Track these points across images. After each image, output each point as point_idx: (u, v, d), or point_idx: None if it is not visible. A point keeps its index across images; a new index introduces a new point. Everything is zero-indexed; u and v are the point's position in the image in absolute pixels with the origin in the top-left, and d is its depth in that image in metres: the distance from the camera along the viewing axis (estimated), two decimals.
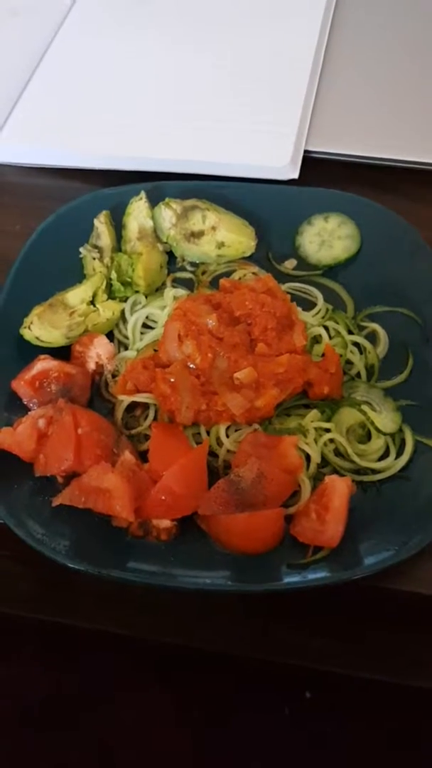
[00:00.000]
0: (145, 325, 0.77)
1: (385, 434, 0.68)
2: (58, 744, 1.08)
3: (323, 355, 0.73)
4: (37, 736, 1.09)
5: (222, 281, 0.76)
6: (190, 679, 1.10)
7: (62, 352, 0.75)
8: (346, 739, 1.04)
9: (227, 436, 0.69)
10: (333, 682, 1.02)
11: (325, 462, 0.68)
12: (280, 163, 0.86)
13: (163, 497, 0.64)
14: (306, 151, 0.89)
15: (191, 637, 0.86)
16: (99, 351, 0.74)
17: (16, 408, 0.71)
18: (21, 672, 1.12)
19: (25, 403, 0.71)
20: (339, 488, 0.63)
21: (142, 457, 0.68)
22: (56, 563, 0.62)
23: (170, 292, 0.77)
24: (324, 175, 0.88)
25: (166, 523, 0.64)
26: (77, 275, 0.80)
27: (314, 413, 0.69)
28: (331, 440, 0.68)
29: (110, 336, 0.77)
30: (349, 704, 1.07)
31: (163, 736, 1.08)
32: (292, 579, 0.61)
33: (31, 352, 0.74)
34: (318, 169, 0.89)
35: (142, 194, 0.82)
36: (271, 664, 0.95)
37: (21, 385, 0.70)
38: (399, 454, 0.68)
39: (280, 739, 1.07)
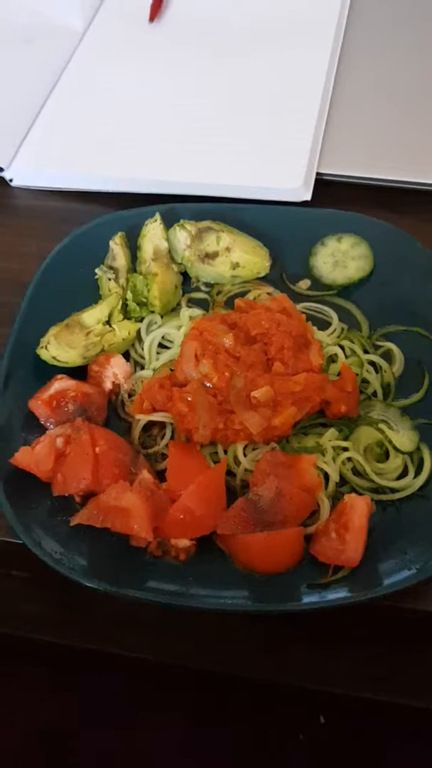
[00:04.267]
0: (161, 345, 0.78)
1: (403, 453, 0.68)
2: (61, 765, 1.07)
3: (339, 374, 0.73)
4: (40, 757, 1.08)
5: (237, 301, 0.77)
6: (202, 702, 1.09)
7: (78, 372, 0.75)
8: (362, 764, 1.03)
9: (245, 455, 0.69)
10: (349, 706, 1.01)
11: (343, 481, 0.68)
12: (293, 185, 0.86)
13: (182, 516, 0.63)
14: (318, 174, 0.89)
15: (205, 659, 0.85)
16: (115, 371, 0.74)
17: (34, 428, 0.71)
18: (26, 692, 1.11)
19: (42, 422, 0.71)
20: (359, 507, 0.62)
21: (160, 476, 0.68)
22: (74, 583, 0.62)
23: (186, 312, 0.78)
24: (336, 196, 0.89)
25: (184, 542, 0.64)
26: (93, 296, 0.81)
27: (332, 432, 0.69)
28: (349, 459, 0.68)
29: (126, 356, 0.77)
30: (365, 729, 1.06)
31: (172, 759, 1.06)
32: (312, 599, 0.61)
33: (47, 371, 0.74)
34: (330, 190, 0.89)
35: (157, 216, 0.83)
36: (285, 688, 0.94)
37: (38, 405, 0.70)
38: (417, 473, 0.68)
39: (294, 765, 1.06)
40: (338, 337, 0.77)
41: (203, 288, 0.83)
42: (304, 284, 0.82)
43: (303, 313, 0.77)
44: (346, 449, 0.68)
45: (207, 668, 0.88)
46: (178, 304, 0.81)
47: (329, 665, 0.77)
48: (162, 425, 0.72)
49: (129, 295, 0.80)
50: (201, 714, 1.10)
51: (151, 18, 1.09)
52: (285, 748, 1.08)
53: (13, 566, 0.77)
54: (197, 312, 0.78)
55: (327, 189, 0.89)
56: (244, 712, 1.09)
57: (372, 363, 0.75)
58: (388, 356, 0.75)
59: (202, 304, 0.82)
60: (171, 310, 0.80)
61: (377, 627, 0.68)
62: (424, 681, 0.76)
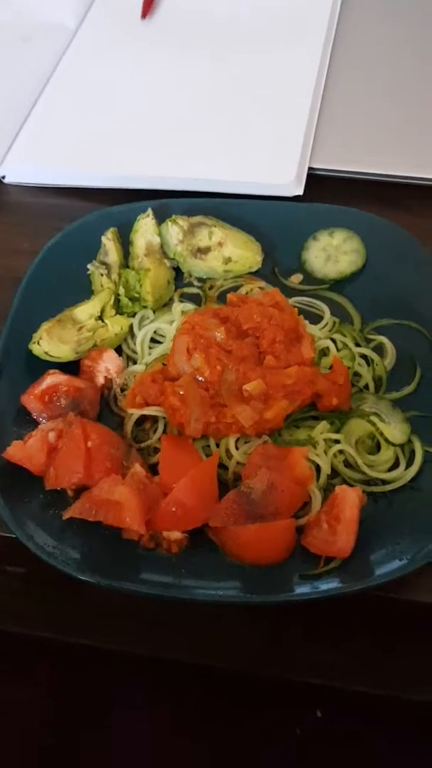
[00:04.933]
0: (153, 340, 0.78)
1: (394, 445, 0.68)
2: (60, 764, 1.07)
3: (331, 367, 0.73)
4: (39, 754, 1.08)
5: (229, 296, 0.77)
6: (198, 697, 1.09)
7: (71, 367, 0.75)
8: (359, 759, 1.03)
9: (237, 448, 0.69)
10: (345, 699, 1.01)
11: (335, 473, 0.68)
12: (285, 180, 0.87)
13: (174, 509, 0.64)
14: (310, 168, 0.90)
15: (200, 653, 0.85)
16: (108, 365, 0.74)
17: (26, 422, 0.71)
18: (24, 690, 1.11)
19: (35, 417, 0.71)
20: (350, 498, 0.63)
21: (152, 470, 0.68)
22: (67, 576, 0.62)
23: (178, 307, 0.78)
24: (328, 191, 0.89)
25: (176, 535, 0.64)
26: (85, 291, 0.81)
27: (323, 425, 0.69)
28: (341, 451, 0.68)
29: (119, 351, 0.77)
30: (361, 722, 1.06)
31: (169, 754, 1.06)
32: (304, 590, 0.61)
33: (40, 367, 0.74)
34: (322, 185, 0.90)
35: (149, 211, 0.83)
36: (281, 682, 0.95)
37: (30, 400, 0.71)
38: (408, 464, 0.68)
39: (290, 761, 1.06)
40: (330, 330, 0.77)
41: (196, 283, 0.83)
42: (296, 279, 0.82)
43: (295, 307, 0.77)
44: (337, 441, 0.68)
45: (201, 662, 0.88)
46: (171, 299, 0.81)
47: (323, 658, 0.77)
48: (154, 419, 0.72)
49: (121, 291, 0.80)
50: (196, 708, 1.10)
51: (143, 15, 1.09)
52: (281, 742, 1.08)
53: (6, 561, 0.77)
54: (189, 307, 0.78)
55: (319, 184, 0.90)
56: (240, 707, 1.09)
57: (364, 356, 0.75)
58: (379, 349, 0.76)
59: (195, 299, 0.82)
60: (163, 305, 0.80)
61: (369, 619, 0.68)
62: (419, 673, 0.76)
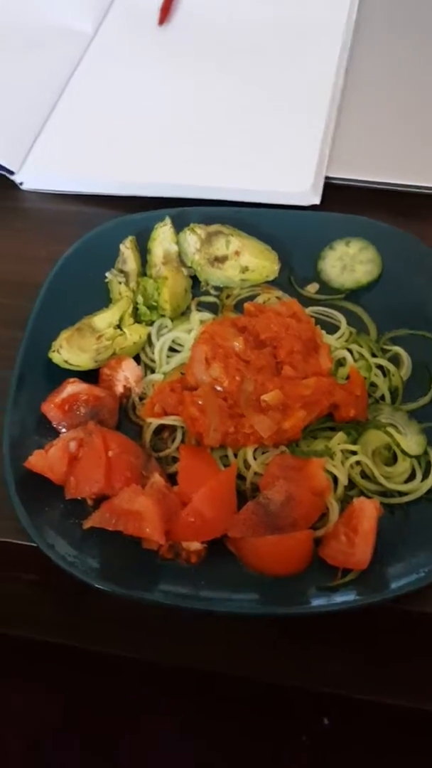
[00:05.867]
0: (171, 349, 0.78)
1: (410, 456, 0.69)
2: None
3: (347, 378, 0.73)
4: (47, 759, 1.08)
5: (246, 305, 0.77)
6: (206, 704, 1.10)
7: (89, 375, 0.76)
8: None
9: (254, 459, 0.69)
10: (353, 708, 1.02)
11: (351, 484, 0.68)
12: (302, 188, 0.87)
13: (193, 520, 0.64)
14: (327, 177, 0.90)
15: (210, 661, 0.86)
16: (127, 374, 0.75)
17: (46, 431, 0.72)
18: (33, 695, 1.12)
19: (55, 425, 0.72)
20: (368, 510, 0.63)
21: (171, 479, 0.69)
22: (88, 586, 0.63)
23: (196, 316, 0.78)
24: (345, 200, 0.89)
25: (195, 545, 0.64)
26: (103, 300, 0.81)
27: (340, 435, 0.70)
28: (358, 462, 0.69)
29: (137, 359, 0.78)
30: (369, 732, 1.06)
31: (175, 761, 1.07)
32: (321, 602, 0.62)
33: (59, 375, 0.75)
34: (339, 194, 0.90)
35: (167, 220, 0.84)
36: (289, 689, 0.95)
37: (51, 408, 0.71)
38: (425, 476, 0.68)
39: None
40: (346, 340, 0.77)
41: (212, 291, 0.83)
42: (312, 288, 0.83)
43: (312, 317, 0.78)
44: (354, 453, 0.69)
45: (210, 669, 0.89)
46: (188, 308, 0.82)
47: (334, 667, 0.77)
48: (173, 428, 0.72)
49: (140, 299, 0.80)
50: (203, 715, 1.10)
51: (161, 21, 1.09)
52: (288, 750, 1.09)
53: (22, 569, 0.78)
54: (207, 316, 0.79)
55: (336, 193, 0.90)
56: (247, 714, 1.09)
57: (380, 367, 0.75)
58: (395, 360, 0.76)
59: (212, 307, 0.82)
60: (181, 314, 0.81)
61: (383, 630, 0.69)
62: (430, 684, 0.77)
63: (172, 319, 0.80)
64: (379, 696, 0.85)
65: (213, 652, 0.78)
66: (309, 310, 0.79)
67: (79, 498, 0.67)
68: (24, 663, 1.08)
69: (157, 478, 0.66)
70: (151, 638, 0.85)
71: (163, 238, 0.83)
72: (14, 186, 0.95)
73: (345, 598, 0.62)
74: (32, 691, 1.12)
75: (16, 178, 0.95)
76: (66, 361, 0.75)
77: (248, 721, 1.09)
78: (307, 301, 0.81)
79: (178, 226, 0.84)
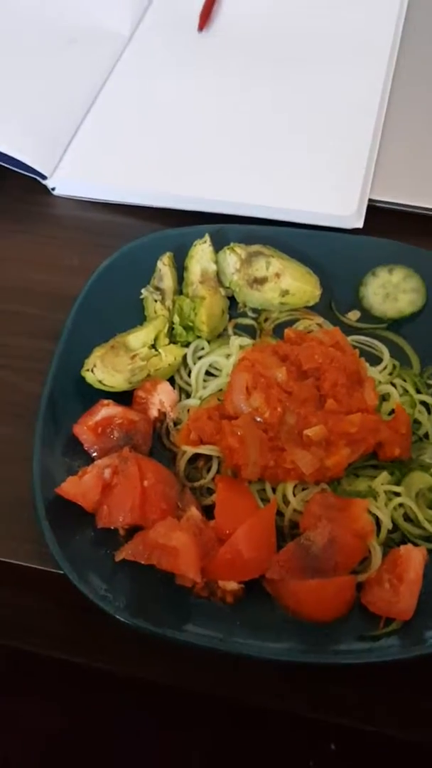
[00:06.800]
0: (207, 372, 0.76)
1: None
2: None
3: (390, 413, 0.71)
4: None
5: (287, 332, 0.74)
6: (210, 726, 1.07)
7: (121, 396, 0.73)
8: None
9: (294, 495, 0.67)
10: (360, 734, 0.99)
11: (393, 527, 0.66)
12: (347, 211, 0.85)
13: (231, 558, 0.62)
14: (370, 200, 0.88)
15: (217, 685, 0.83)
16: (162, 398, 0.72)
17: (76, 453, 0.69)
18: (33, 709, 1.09)
19: (86, 449, 0.69)
20: (415, 559, 0.61)
21: (205, 510, 0.67)
22: (118, 622, 0.60)
23: (236, 341, 0.76)
24: (387, 225, 0.87)
25: (232, 585, 0.62)
26: (137, 317, 0.79)
27: (384, 476, 0.67)
28: (401, 504, 0.66)
29: (171, 382, 0.75)
30: (377, 759, 1.04)
31: None
32: (363, 653, 0.59)
33: (90, 393, 0.72)
34: (381, 218, 0.87)
35: (207, 237, 0.81)
36: (298, 715, 0.93)
37: (84, 431, 0.68)
38: None
39: None
40: (390, 374, 0.75)
41: (250, 314, 0.81)
42: (353, 315, 0.80)
43: (353, 346, 0.75)
44: (398, 494, 0.66)
45: (216, 693, 0.86)
46: (225, 330, 0.79)
47: (351, 700, 0.75)
48: (208, 458, 0.70)
49: (176, 319, 0.78)
50: (206, 736, 1.08)
51: (200, 27, 1.06)
52: None
53: (39, 592, 0.75)
54: (247, 341, 0.76)
55: (378, 216, 0.87)
56: (252, 736, 1.07)
57: (424, 403, 0.73)
58: None
59: (249, 330, 0.79)
60: (217, 336, 0.78)
61: (412, 672, 0.66)
62: None
63: (208, 341, 0.77)
64: (392, 730, 0.83)
65: (216, 675, 0.75)
66: (350, 338, 0.77)
67: (111, 528, 0.65)
68: (27, 675, 1.06)
69: (194, 512, 0.64)
70: (160, 659, 0.82)
71: (202, 255, 0.80)
72: (46, 191, 0.92)
73: (388, 649, 0.59)
74: (32, 702, 1.09)
75: (49, 183, 0.92)
76: (100, 381, 0.72)
77: (253, 743, 1.07)
78: (347, 329, 0.78)
79: (217, 244, 0.81)
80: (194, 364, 0.75)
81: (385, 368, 0.75)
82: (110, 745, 1.08)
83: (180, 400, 0.74)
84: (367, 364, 0.74)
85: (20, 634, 0.85)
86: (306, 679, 0.75)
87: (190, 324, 0.77)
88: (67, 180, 0.92)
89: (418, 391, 0.73)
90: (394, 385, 0.74)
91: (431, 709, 0.75)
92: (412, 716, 0.78)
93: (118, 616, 0.60)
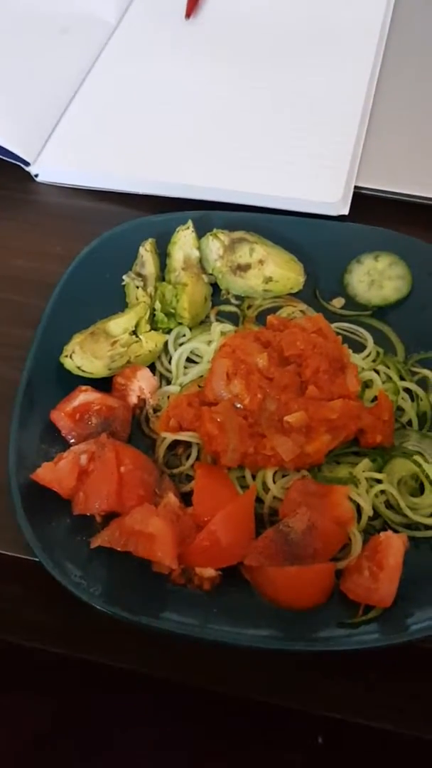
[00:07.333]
0: (188, 359, 0.75)
1: None
2: None
3: (374, 400, 0.70)
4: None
5: (270, 318, 0.74)
6: (200, 719, 1.07)
7: (101, 382, 0.72)
8: None
9: (274, 482, 0.66)
10: (348, 726, 0.99)
11: (375, 514, 0.65)
12: (332, 198, 0.84)
13: (208, 545, 0.61)
14: (356, 187, 0.87)
15: (206, 678, 0.82)
16: (142, 384, 0.71)
17: (53, 440, 0.68)
18: (20, 702, 1.09)
19: (63, 435, 0.68)
20: (395, 546, 0.60)
21: (184, 498, 0.66)
22: (93, 608, 0.59)
23: (217, 328, 0.75)
24: (373, 212, 0.86)
25: (209, 572, 0.61)
26: (118, 303, 0.78)
27: (365, 462, 0.66)
28: (382, 491, 0.65)
29: (152, 368, 0.74)
30: (364, 751, 1.03)
31: None
32: (342, 639, 0.58)
33: (69, 380, 0.71)
34: (367, 205, 0.86)
35: (190, 223, 0.80)
36: (285, 708, 0.92)
37: (61, 417, 0.67)
38: None
39: None
40: (373, 361, 0.74)
41: (233, 301, 0.80)
42: (337, 302, 0.79)
43: (337, 333, 0.74)
44: (379, 481, 0.65)
45: (205, 686, 0.86)
46: (207, 317, 0.78)
47: (335, 691, 0.74)
48: (187, 444, 0.69)
49: (157, 305, 0.77)
50: (193, 729, 1.07)
51: (188, 14, 1.05)
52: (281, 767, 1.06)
53: (20, 581, 0.74)
54: (229, 327, 0.75)
55: (364, 203, 0.86)
56: (239, 729, 1.06)
57: (407, 390, 0.72)
58: (423, 383, 0.73)
59: (232, 317, 0.79)
60: (200, 323, 0.77)
61: (401, 664, 0.66)
62: None
63: (190, 328, 0.76)
64: (381, 723, 0.82)
65: (204, 668, 0.75)
66: (334, 326, 0.76)
67: (87, 514, 0.64)
68: (16, 668, 1.05)
69: (171, 498, 0.63)
70: (146, 650, 0.81)
71: (185, 242, 0.79)
72: (29, 178, 0.91)
73: (367, 637, 0.58)
74: (23, 696, 1.09)
75: (32, 170, 0.91)
76: (79, 368, 0.71)
77: (240, 736, 1.06)
78: (331, 317, 0.77)
79: (201, 231, 0.80)
80: (175, 350, 0.74)
81: (368, 355, 0.74)
82: (97, 738, 1.07)
83: (160, 386, 0.73)
84: (350, 351, 0.73)
85: (1, 624, 0.85)
86: (293, 670, 0.74)
87: (172, 311, 0.77)
88: (51, 166, 0.91)
89: (402, 378, 0.72)
90: (377, 372, 0.73)
91: (420, 700, 0.75)
92: (402, 709, 0.77)
93: (92, 603, 0.59)
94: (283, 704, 0.85)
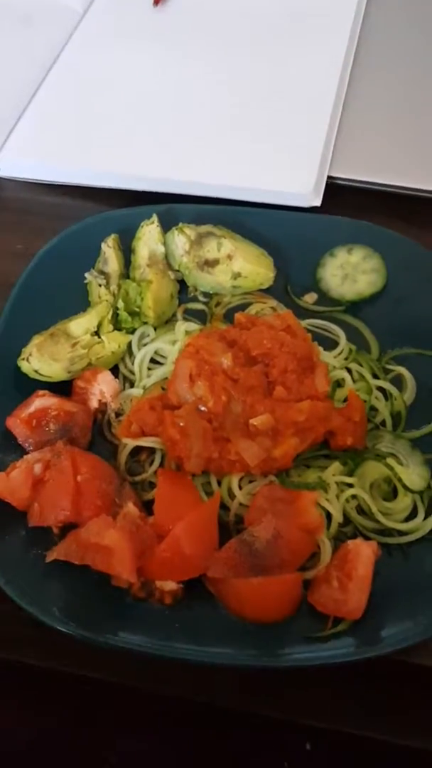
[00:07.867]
0: (152, 360, 0.72)
1: (412, 492, 0.63)
2: None
3: (345, 400, 0.67)
4: None
5: (237, 316, 0.70)
6: (183, 724, 1.04)
7: (62, 387, 0.69)
8: None
9: (240, 488, 0.63)
10: (336, 734, 0.96)
11: (346, 520, 0.62)
12: (304, 189, 0.80)
13: (169, 556, 0.58)
14: (329, 177, 0.83)
15: (191, 688, 0.80)
16: (103, 388, 0.68)
17: (10, 448, 0.65)
18: (5, 717, 1.06)
19: (20, 442, 0.65)
20: (364, 554, 0.57)
21: (146, 506, 0.63)
22: (47, 626, 0.56)
23: (182, 326, 0.72)
24: (347, 203, 0.83)
25: (171, 585, 0.58)
26: (81, 303, 0.74)
27: (336, 466, 0.63)
28: (354, 496, 0.62)
29: (114, 371, 0.71)
30: (352, 758, 1.01)
31: None
32: (308, 655, 0.55)
33: (28, 385, 0.68)
34: (341, 196, 0.83)
35: (154, 218, 0.77)
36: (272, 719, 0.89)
37: (17, 423, 0.64)
38: (428, 514, 0.62)
39: None
40: (345, 359, 0.71)
41: (201, 298, 0.76)
42: (310, 298, 0.76)
43: (308, 330, 0.71)
44: (350, 485, 0.62)
45: (187, 696, 0.83)
46: (174, 315, 0.75)
47: (318, 701, 0.71)
48: (151, 450, 0.66)
49: (120, 304, 0.73)
50: (179, 735, 1.05)
51: (156, 2, 1.02)
52: None
53: None
54: (194, 326, 0.72)
55: (337, 194, 0.83)
56: (226, 736, 1.04)
57: (381, 389, 0.69)
58: (398, 382, 0.70)
59: (200, 315, 0.75)
60: (165, 322, 0.74)
61: (377, 675, 0.63)
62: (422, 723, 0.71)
63: (155, 328, 0.73)
64: (367, 732, 0.80)
65: (190, 679, 0.72)
66: (305, 322, 0.73)
67: (44, 526, 0.61)
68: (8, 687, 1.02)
69: (130, 508, 0.60)
70: (110, 660, 0.79)
71: (149, 237, 0.76)
72: None
73: (335, 651, 0.55)
74: (5, 707, 1.06)
75: None
76: (36, 371, 0.68)
77: (227, 743, 1.04)
78: (303, 313, 0.74)
79: (166, 225, 0.77)
80: (139, 351, 0.71)
81: (340, 353, 0.71)
82: (82, 750, 1.05)
83: (123, 389, 0.70)
84: (321, 349, 0.70)
85: None
86: (267, 681, 0.71)
87: (136, 309, 0.73)
88: (12, 160, 0.87)
89: (375, 377, 0.69)
90: (349, 370, 0.70)
91: (402, 709, 0.72)
92: (381, 716, 0.74)
93: (47, 622, 0.56)
94: (262, 713, 0.83)
